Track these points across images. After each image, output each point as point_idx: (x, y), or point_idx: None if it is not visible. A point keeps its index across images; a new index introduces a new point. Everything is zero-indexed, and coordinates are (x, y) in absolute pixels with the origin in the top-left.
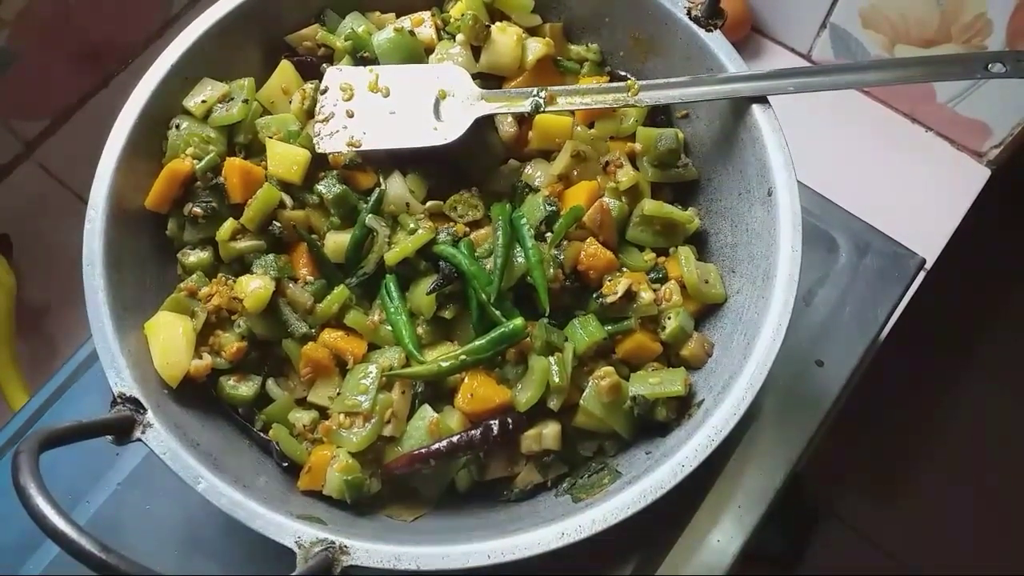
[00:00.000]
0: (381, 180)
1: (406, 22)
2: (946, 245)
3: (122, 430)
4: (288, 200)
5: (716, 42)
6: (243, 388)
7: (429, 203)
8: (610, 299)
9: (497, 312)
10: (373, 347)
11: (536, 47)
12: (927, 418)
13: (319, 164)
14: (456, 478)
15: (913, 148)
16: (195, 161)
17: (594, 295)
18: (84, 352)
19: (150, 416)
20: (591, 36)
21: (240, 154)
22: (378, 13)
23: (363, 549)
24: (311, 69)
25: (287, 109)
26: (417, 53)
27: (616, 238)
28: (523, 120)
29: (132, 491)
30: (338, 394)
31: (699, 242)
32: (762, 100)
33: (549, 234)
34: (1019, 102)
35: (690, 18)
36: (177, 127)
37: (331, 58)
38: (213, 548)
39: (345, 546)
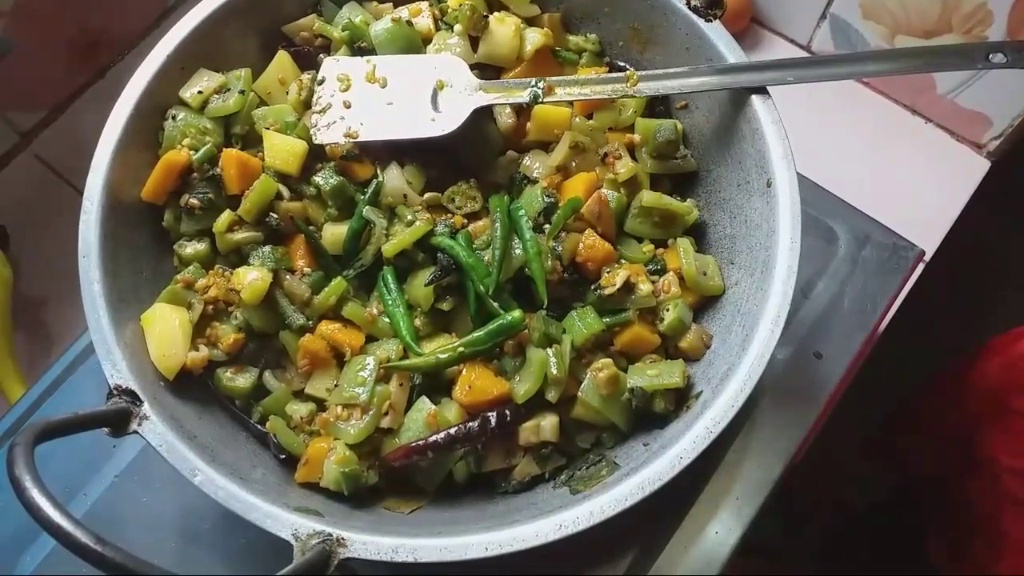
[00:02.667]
0: (379, 171)
1: (404, 12)
2: (945, 237)
3: (118, 422)
4: (285, 191)
5: (715, 32)
6: (240, 380)
7: (427, 195)
8: (608, 291)
9: (495, 304)
10: (371, 339)
11: (534, 37)
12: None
13: (316, 155)
14: (454, 470)
15: (913, 139)
16: (191, 152)
17: (592, 287)
18: (81, 344)
19: (146, 408)
20: (590, 26)
21: (237, 145)
22: (375, 3)
23: (360, 541)
24: (308, 59)
25: (284, 100)
26: (415, 43)
27: (614, 229)
28: (521, 111)
29: (129, 483)
30: (336, 386)
31: (698, 233)
32: (762, 91)
33: (547, 226)
34: (1020, 93)
35: (689, 8)
36: (173, 118)
37: (328, 48)
38: (211, 540)
39: (342, 538)
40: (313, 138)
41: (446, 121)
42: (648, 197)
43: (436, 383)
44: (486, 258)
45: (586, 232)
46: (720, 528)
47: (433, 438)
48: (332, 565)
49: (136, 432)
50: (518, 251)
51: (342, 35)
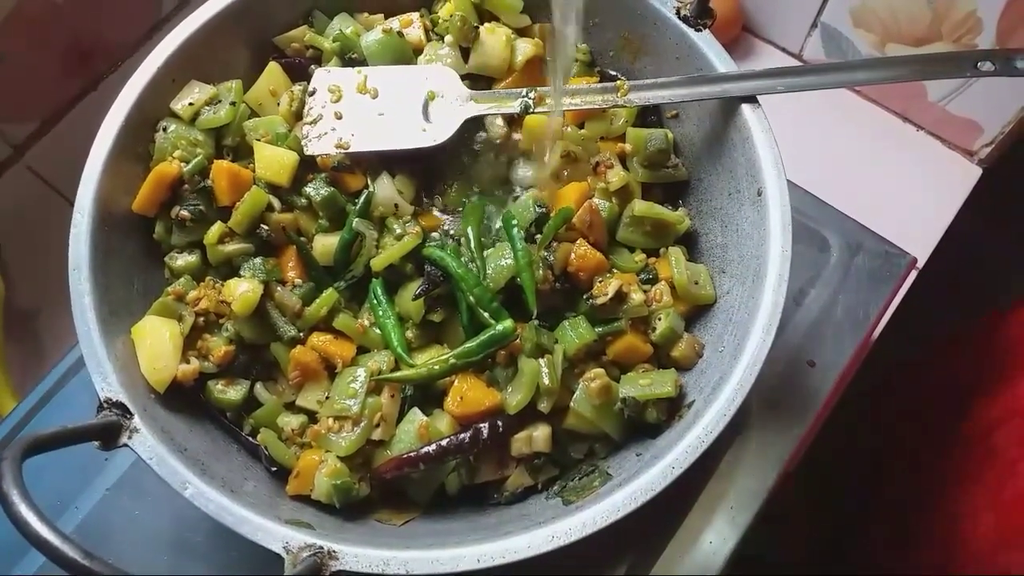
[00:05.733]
0: (369, 182)
1: (394, 23)
2: (937, 244)
3: (109, 435)
4: (276, 203)
5: (706, 42)
6: (231, 392)
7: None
8: (600, 300)
9: (486, 314)
10: (362, 350)
11: (525, 48)
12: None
13: (307, 166)
14: (446, 481)
15: (904, 147)
16: (182, 164)
17: (584, 297)
18: (72, 357)
19: (137, 421)
20: (581, 36)
21: (228, 157)
22: (366, 14)
23: (352, 554)
24: (299, 71)
25: (275, 111)
26: (406, 54)
27: (606, 239)
28: (512, 121)
29: (120, 496)
30: (327, 398)
31: (689, 243)
32: (752, 100)
33: (539, 235)
34: (1010, 101)
35: (679, 17)
36: (164, 130)
37: (319, 59)
38: (202, 553)
39: (334, 551)
40: (304, 149)
41: (438, 131)
42: (640, 206)
43: (428, 394)
44: (475, 269)
45: (578, 242)
46: (714, 537)
47: (425, 450)
48: None
49: (126, 445)
50: (509, 261)
51: (333, 46)
